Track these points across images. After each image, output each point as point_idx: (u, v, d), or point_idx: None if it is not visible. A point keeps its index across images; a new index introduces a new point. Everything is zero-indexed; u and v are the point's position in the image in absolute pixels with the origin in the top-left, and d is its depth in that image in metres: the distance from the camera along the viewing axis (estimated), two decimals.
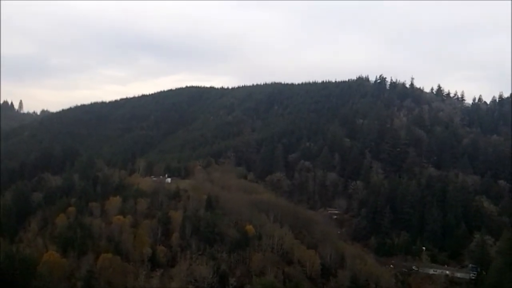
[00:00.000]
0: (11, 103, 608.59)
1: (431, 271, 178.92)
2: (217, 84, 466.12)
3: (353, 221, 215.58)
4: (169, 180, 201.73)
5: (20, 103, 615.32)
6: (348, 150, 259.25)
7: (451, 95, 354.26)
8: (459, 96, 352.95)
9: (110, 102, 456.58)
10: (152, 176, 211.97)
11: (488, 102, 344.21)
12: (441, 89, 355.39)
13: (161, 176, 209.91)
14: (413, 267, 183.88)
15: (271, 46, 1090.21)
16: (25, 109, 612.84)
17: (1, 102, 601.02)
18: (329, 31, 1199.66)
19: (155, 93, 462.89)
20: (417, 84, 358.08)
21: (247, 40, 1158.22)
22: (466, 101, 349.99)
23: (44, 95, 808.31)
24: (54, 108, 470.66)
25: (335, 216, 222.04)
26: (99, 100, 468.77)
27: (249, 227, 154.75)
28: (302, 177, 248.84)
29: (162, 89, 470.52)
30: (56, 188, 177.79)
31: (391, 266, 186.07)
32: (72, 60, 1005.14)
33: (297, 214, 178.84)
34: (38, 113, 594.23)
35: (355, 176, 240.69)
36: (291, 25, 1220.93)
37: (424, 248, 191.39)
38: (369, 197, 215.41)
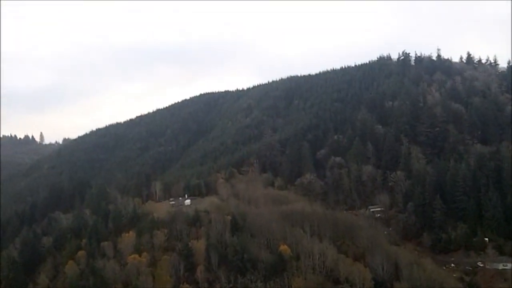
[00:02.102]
0: (32, 136, 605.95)
1: (501, 266, 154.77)
2: (235, 87, 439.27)
3: (399, 217, 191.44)
4: (188, 201, 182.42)
5: (41, 135, 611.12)
6: (381, 138, 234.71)
7: (483, 61, 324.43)
8: (491, 60, 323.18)
9: (125, 122, 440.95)
10: (171, 199, 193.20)
11: None
12: (471, 56, 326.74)
13: (180, 198, 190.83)
14: (478, 263, 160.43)
15: (284, 39, 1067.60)
16: (47, 140, 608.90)
17: (22, 136, 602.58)
18: (341, 14, 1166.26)
19: (169, 106, 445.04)
20: (444, 55, 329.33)
21: (260, 36, 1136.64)
22: (500, 65, 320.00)
23: (67, 123, 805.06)
24: (77, 134, 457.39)
25: (378, 215, 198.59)
26: (120, 119, 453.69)
27: (284, 247, 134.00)
28: (335, 175, 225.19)
29: (176, 100, 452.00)
30: (66, 229, 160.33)
31: (452, 265, 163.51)
32: (91, 82, 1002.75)
33: (337, 221, 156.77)
34: (60, 142, 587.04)
35: (393, 166, 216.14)
36: (302, 14, 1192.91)
37: (487, 239, 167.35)
38: (414, 189, 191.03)
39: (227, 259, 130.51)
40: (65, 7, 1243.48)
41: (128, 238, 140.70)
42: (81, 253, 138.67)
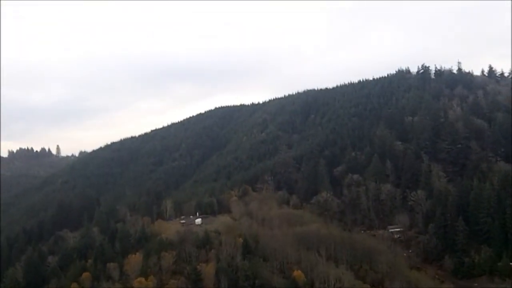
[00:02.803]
0: (49, 149, 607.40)
1: None
2: (250, 101, 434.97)
3: (420, 238, 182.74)
4: (199, 220, 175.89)
5: (57, 147, 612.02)
6: (401, 155, 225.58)
7: (505, 74, 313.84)
8: None
9: (140, 136, 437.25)
10: (182, 217, 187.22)
11: None
12: (493, 69, 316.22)
13: (191, 216, 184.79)
14: None
15: (301, 53, 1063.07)
16: (63, 153, 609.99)
17: (39, 149, 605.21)
18: (359, 29, 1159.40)
19: (184, 120, 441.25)
20: (465, 69, 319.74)
21: (275, 50, 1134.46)
22: None
23: (85, 137, 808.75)
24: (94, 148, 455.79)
25: (397, 235, 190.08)
26: (135, 134, 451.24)
27: (298, 273, 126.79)
28: (352, 193, 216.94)
29: (191, 114, 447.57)
30: (72, 249, 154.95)
31: None
32: (109, 98, 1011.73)
33: (354, 244, 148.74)
34: (77, 154, 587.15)
35: (413, 184, 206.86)
36: (318, 28, 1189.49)
37: None
38: (435, 209, 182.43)
39: (237, 284, 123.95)
40: (85, 23, 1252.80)
41: (135, 259, 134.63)
42: (85, 275, 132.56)
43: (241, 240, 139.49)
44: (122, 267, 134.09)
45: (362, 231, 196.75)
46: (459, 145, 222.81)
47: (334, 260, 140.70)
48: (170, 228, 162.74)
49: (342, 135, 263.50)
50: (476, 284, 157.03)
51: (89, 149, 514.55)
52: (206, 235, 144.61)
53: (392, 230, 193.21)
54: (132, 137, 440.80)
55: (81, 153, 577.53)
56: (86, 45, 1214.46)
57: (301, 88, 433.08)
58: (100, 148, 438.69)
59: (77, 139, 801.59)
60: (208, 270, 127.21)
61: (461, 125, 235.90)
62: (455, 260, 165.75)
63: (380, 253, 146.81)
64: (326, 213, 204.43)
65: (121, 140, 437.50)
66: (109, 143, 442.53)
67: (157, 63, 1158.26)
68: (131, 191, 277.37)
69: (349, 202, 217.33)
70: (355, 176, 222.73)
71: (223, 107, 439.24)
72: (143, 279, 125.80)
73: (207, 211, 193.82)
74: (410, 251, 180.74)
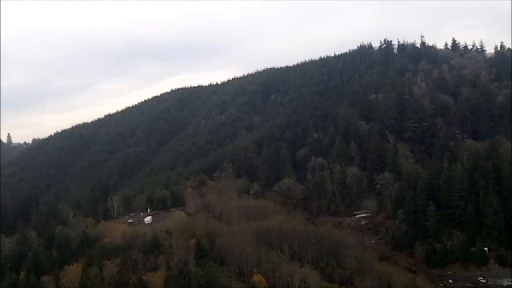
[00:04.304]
0: None
1: (505, 282, 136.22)
2: (212, 81, 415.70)
3: (389, 224, 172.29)
4: (149, 218, 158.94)
5: (8, 135, 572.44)
6: (365, 136, 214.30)
7: (469, 47, 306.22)
8: (478, 47, 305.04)
9: (93, 122, 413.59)
10: (131, 215, 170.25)
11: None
12: (457, 42, 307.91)
13: (141, 213, 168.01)
14: (480, 278, 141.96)
15: (264, 31, 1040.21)
16: (15, 140, 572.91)
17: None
18: (320, 6, 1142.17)
19: (139, 104, 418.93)
20: (429, 42, 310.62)
21: (238, 28, 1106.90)
22: (487, 51, 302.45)
23: (47, 121, 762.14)
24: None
25: (364, 221, 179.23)
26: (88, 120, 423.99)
27: (258, 277, 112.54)
28: (316, 177, 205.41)
29: (146, 98, 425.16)
30: (5, 258, 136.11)
31: (450, 281, 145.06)
32: (71, 80, 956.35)
33: (320, 238, 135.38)
34: (30, 142, 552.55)
35: (380, 166, 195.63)
36: (280, 5, 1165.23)
37: (486, 248, 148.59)
38: (404, 192, 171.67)
39: None
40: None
41: (73, 271, 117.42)
42: None
43: (194, 242, 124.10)
44: (58, 280, 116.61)
45: (328, 218, 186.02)
46: (425, 123, 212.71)
47: (299, 257, 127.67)
48: (116, 230, 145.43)
49: (305, 115, 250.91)
50: (450, 273, 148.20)
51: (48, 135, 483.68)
52: (154, 238, 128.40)
53: (359, 215, 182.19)
54: (84, 123, 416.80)
55: (34, 141, 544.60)
56: (46, 22, 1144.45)
57: (261, 67, 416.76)
58: (50, 137, 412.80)
59: (37, 125, 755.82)
60: (156, 280, 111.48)
61: (427, 102, 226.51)
62: (427, 247, 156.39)
63: (347, 247, 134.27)
64: (289, 201, 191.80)
65: (72, 127, 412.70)
66: (59, 130, 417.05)
67: (122, 40, 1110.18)
68: (79, 185, 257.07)
69: (313, 188, 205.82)
70: (319, 159, 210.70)
71: (180, 89, 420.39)
72: None
73: (159, 206, 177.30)
74: (378, 238, 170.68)
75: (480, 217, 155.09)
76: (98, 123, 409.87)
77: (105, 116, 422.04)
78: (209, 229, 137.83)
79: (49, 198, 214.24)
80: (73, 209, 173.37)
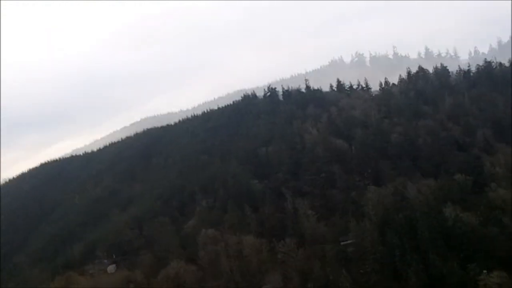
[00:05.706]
0: None
1: None
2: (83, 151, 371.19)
3: None
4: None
5: None
6: (260, 196, 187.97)
7: (354, 86, 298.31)
8: (363, 85, 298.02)
9: None
10: None
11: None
12: (341, 83, 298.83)
13: None
14: None
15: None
16: None
17: None
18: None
19: (5, 183, 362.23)
20: (314, 85, 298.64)
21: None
22: (372, 89, 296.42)
23: None
24: None
25: None
26: None
27: None
28: (209, 253, 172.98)
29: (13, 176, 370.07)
30: None
31: None
32: None
33: None
34: None
35: (280, 231, 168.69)
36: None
37: None
38: (310, 261, 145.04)
39: None
40: None
41: None
42: None
43: None
44: None
45: None
46: (323, 174, 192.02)
47: None
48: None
49: (191, 179, 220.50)
50: None
51: None
52: None
53: None
54: None
55: None
56: None
57: (139, 127, 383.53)
58: None
59: None
60: None
61: (321, 149, 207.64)
62: None
63: None
64: None
65: None
66: None
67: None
68: None
69: (208, 266, 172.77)
70: (210, 232, 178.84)
71: (50, 162, 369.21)
72: None
73: None
74: None
75: (400, 281, 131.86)
76: None
77: None
78: None
79: None
80: None
